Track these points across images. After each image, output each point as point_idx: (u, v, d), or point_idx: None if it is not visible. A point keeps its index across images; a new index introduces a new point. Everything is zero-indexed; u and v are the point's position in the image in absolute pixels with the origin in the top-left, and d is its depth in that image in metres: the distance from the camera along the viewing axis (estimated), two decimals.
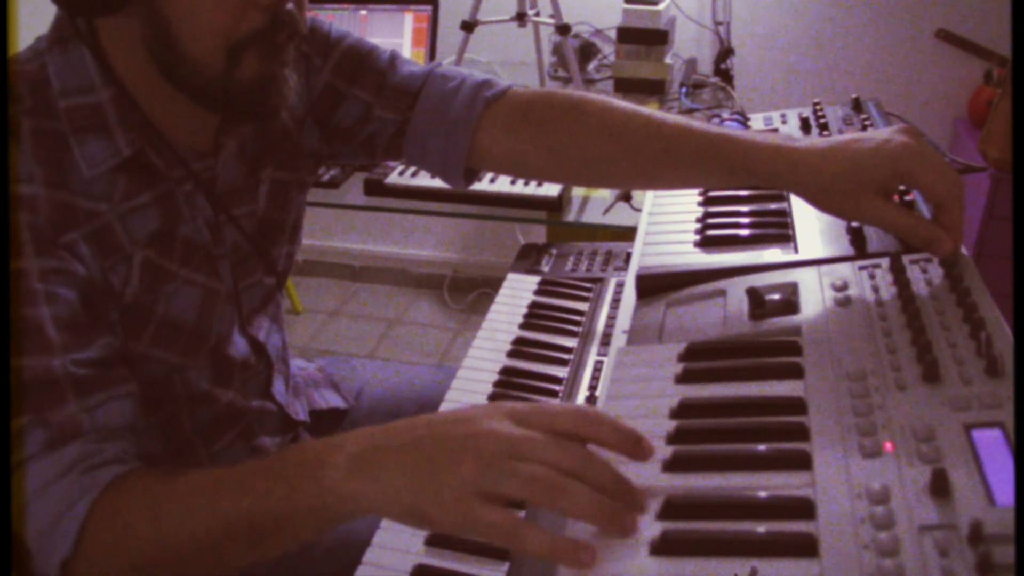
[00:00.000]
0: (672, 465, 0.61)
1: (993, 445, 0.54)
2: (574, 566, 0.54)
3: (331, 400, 1.15)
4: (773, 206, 0.97)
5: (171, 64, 0.77)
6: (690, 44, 2.42)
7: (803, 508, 0.54)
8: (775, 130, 1.13)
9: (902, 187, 0.82)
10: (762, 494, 0.56)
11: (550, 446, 0.57)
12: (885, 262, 0.78)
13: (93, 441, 0.71)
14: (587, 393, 0.98)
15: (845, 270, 0.79)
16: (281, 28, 0.78)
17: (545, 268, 1.26)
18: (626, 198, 1.44)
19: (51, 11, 0.79)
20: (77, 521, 0.67)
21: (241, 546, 0.65)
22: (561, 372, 1.03)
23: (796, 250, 0.87)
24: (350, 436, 0.62)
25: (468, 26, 2.12)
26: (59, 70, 0.77)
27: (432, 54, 2.03)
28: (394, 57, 0.99)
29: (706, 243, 0.93)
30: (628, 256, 1.17)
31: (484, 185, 1.63)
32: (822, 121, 1.11)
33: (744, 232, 0.93)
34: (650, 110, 0.91)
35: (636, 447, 0.59)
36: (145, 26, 0.75)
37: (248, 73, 0.78)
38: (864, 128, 1.07)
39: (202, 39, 0.75)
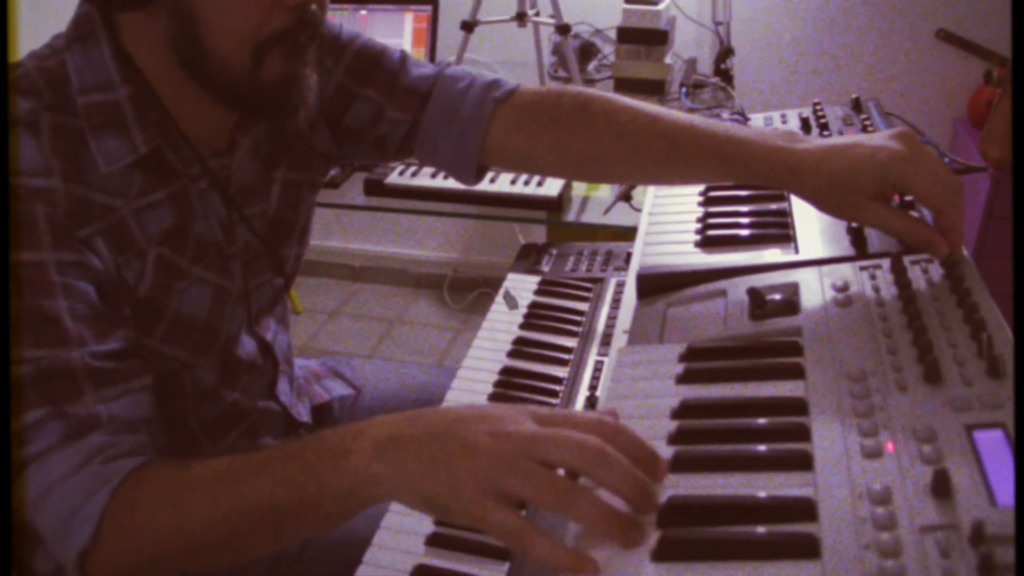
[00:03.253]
0: (673, 466, 0.61)
1: (994, 446, 0.54)
2: None
3: (335, 389, 1.15)
4: (773, 206, 0.97)
5: (196, 61, 0.77)
6: (690, 44, 2.42)
7: (804, 509, 0.54)
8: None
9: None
10: (763, 495, 0.56)
11: (565, 443, 0.56)
12: (886, 262, 0.78)
13: (110, 433, 0.71)
14: (587, 393, 0.98)
15: (846, 270, 0.79)
16: (305, 29, 0.78)
17: (545, 268, 1.26)
18: (626, 198, 1.44)
19: (52, 11, 0.79)
20: (95, 512, 0.67)
21: (262, 533, 0.66)
22: (561, 372, 1.03)
23: (797, 250, 0.87)
24: (372, 423, 0.63)
25: (468, 26, 2.12)
26: (78, 67, 0.77)
27: (432, 54, 2.03)
28: (405, 58, 1.00)
29: (706, 243, 0.93)
30: (628, 256, 1.17)
31: (484, 185, 1.60)
32: (822, 121, 1.11)
33: (744, 232, 0.93)
34: (656, 108, 0.92)
35: (652, 465, 0.59)
36: (171, 22, 0.76)
37: (272, 72, 0.78)
38: (864, 128, 1.07)
39: (229, 37, 0.75)
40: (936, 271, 0.75)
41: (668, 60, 2.11)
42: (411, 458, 0.59)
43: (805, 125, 1.12)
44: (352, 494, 0.61)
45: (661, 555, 0.54)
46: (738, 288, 0.82)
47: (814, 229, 0.89)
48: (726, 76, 2.19)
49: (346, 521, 0.65)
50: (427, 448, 0.59)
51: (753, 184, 0.98)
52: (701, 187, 1.06)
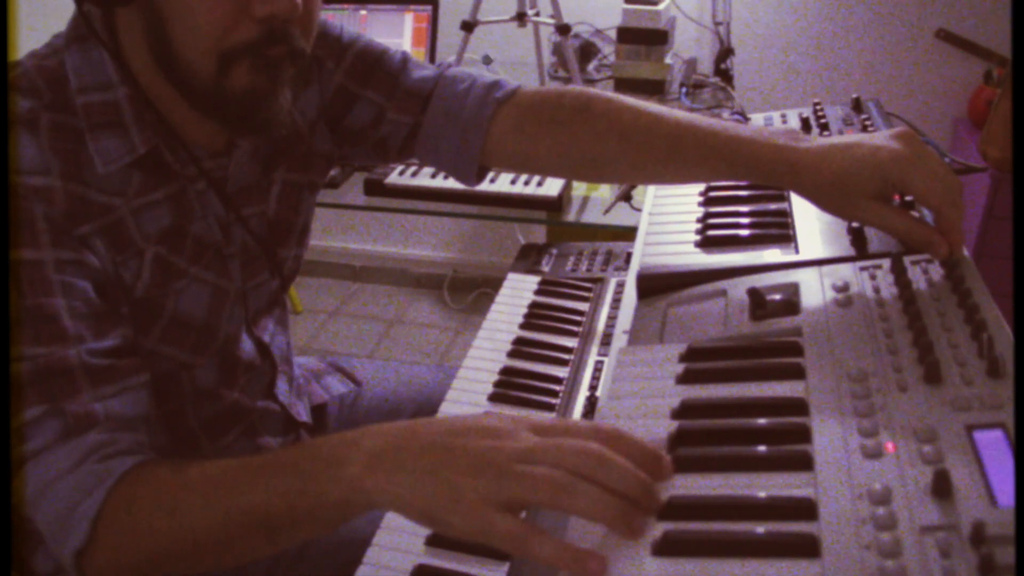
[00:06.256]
0: (673, 466, 0.61)
1: (994, 446, 0.54)
2: (583, 575, 0.54)
3: (335, 388, 1.15)
4: (773, 206, 0.97)
5: (167, 63, 0.77)
6: (690, 44, 2.42)
7: (804, 509, 0.54)
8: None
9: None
10: (763, 495, 0.56)
11: (563, 450, 0.56)
12: (886, 263, 0.78)
13: (107, 431, 0.71)
14: (587, 393, 0.98)
15: (846, 271, 0.79)
16: (275, 43, 0.76)
17: (545, 268, 1.26)
18: (626, 198, 1.44)
19: (52, 11, 0.80)
20: (92, 511, 0.67)
21: (256, 539, 0.66)
22: (561, 372, 1.03)
23: (797, 250, 0.87)
24: (367, 432, 0.62)
25: (468, 26, 2.12)
26: (77, 67, 0.77)
27: (432, 54, 2.03)
28: (406, 60, 0.99)
29: (707, 243, 0.93)
30: (628, 256, 1.17)
31: (484, 185, 1.59)
32: (822, 121, 1.11)
33: (745, 232, 0.93)
34: (657, 107, 0.91)
35: (657, 466, 0.59)
36: (144, 22, 0.76)
37: (238, 84, 0.76)
38: (864, 128, 1.07)
39: (194, 42, 0.75)
40: (936, 271, 0.75)
41: (668, 60, 2.11)
42: (408, 472, 0.58)
43: (805, 125, 1.12)
44: (346, 504, 0.61)
45: (662, 550, 0.54)
46: (738, 288, 0.82)
47: (814, 229, 0.89)
48: (726, 76, 2.19)
49: (341, 526, 0.65)
50: (425, 462, 0.58)
51: (754, 183, 0.98)
52: (701, 187, 1.06)
